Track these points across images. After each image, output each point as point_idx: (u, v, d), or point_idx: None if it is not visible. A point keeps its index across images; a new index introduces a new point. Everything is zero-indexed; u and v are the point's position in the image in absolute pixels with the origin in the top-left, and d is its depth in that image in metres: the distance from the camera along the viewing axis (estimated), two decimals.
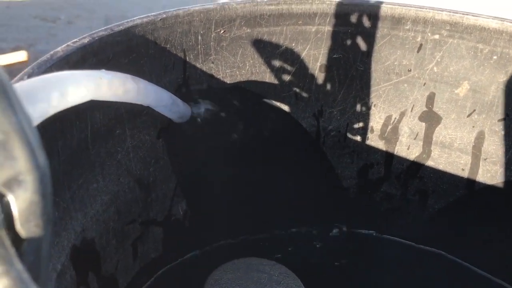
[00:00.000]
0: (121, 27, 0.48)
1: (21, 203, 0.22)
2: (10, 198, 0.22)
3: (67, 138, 0.43)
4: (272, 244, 0.69)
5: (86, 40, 0.44)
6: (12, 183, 0.22)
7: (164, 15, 0.51)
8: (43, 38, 1.45)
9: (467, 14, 0.58)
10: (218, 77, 0.59)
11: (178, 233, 0.65)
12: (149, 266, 0.63)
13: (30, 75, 0.37)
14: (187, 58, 0.55)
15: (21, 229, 0.23)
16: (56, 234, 0.43)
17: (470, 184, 0.66)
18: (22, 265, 0.21)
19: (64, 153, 0.43)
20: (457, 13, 0.58)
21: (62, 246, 0.44)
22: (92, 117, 0.46)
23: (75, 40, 0.43)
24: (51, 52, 0.40)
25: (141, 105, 0.51)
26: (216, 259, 0.62)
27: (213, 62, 0.58)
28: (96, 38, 0.45)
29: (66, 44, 0.42)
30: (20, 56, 1.24)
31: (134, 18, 0.50)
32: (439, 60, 0.62)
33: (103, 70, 0.36)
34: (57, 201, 0.43)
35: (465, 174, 0.66)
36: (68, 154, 0.44)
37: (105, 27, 0.46)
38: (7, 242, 0.22)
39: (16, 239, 0.23)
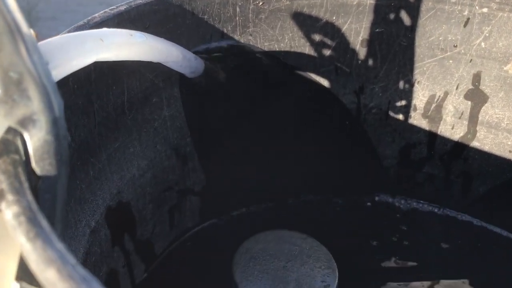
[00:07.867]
0: None
1: (35, 141, 0.24)
2: (26, 136, 0.24)
3: (104, 101, 0.45)
4: (301, 214, 0.69)
5: (123, 8, 0.45)
6: (27, 121, 0.24)
7: None
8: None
9: None
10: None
11: (215, 203, 0.66)
12: (186, 234, 0.65)
13: None
14: (224, 29, 0.56)
15: (36, 167, 0.25)
16: (91, 193, 0.45)
17: None
18: (33, 198, 0.23)
19: (100, 115, 0.45)
20: None
21: (96, 205, 0.46)
22: (129, 84, 0.48)
23: (112, 7, 0.45)
24: (89, 17, 0.42)
25: (178, 75, 0.52)
26: (247, 228, 0.63)
27: (251, 35, 0.58)
28: (133, 6, 0.46)
29: (103, 11, 0.44)
30: None
31: None
32: (487, 35, 0.59)
33: (104, 28, 0.37)
34: (92, 161, 0.45)
35: None
36: (104, 116, 0.45)
37: None
38: (23, 177, 0.24)
39: (31, 176, 0.25)
